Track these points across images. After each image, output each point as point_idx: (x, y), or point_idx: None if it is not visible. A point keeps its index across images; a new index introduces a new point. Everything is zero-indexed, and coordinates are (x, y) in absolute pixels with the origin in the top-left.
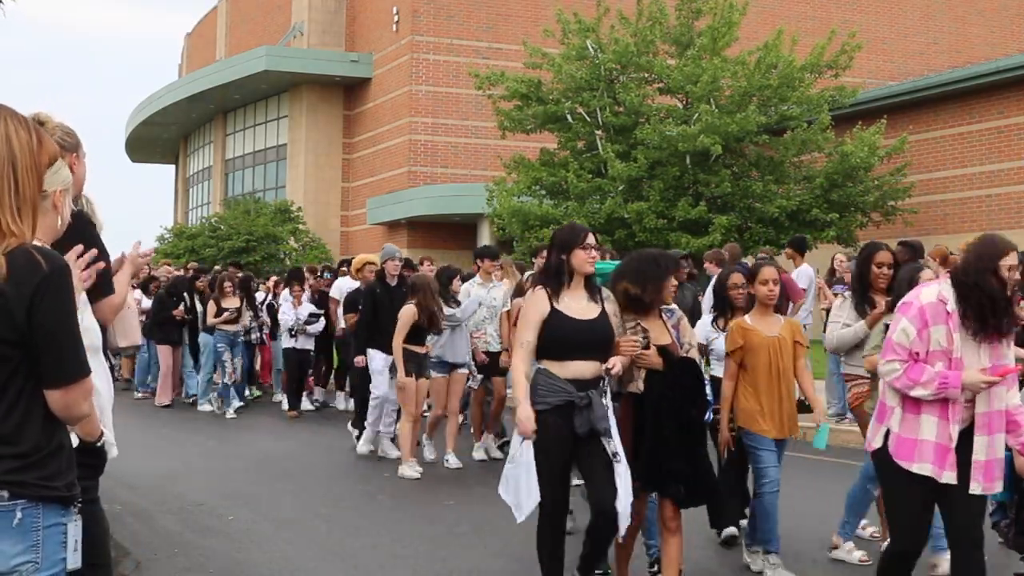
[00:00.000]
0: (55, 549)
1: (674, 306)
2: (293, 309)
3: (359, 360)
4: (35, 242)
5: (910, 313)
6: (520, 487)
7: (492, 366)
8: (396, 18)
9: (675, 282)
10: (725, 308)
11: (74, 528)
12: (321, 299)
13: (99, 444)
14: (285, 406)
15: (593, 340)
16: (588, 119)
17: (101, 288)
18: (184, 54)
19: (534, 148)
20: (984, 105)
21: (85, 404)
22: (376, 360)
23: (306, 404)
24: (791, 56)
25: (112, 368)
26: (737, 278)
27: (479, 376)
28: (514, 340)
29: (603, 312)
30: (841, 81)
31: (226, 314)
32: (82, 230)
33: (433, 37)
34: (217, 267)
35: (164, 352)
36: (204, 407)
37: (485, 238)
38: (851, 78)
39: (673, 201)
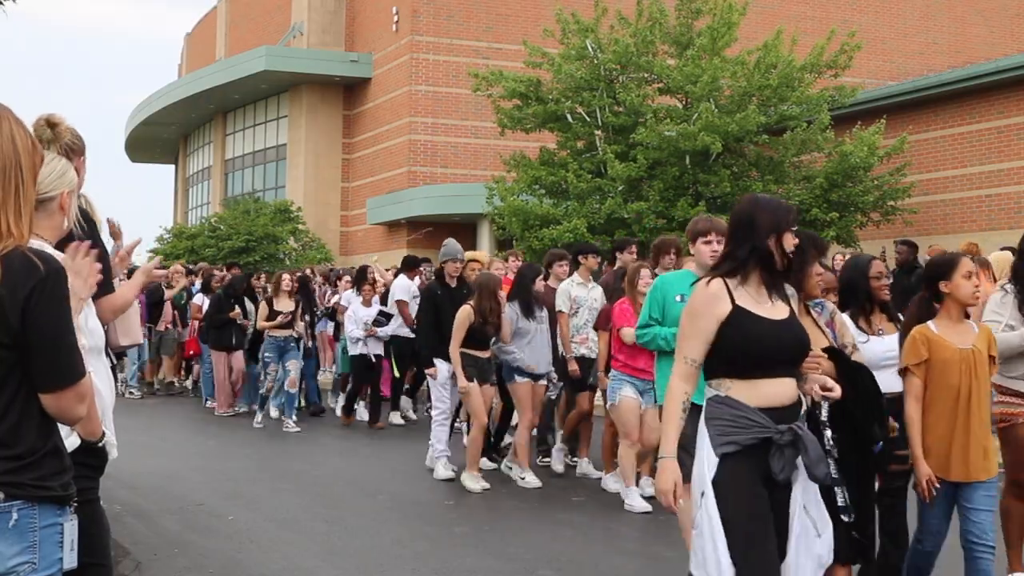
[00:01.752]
0: (52, 549)
1: (824, 299)
2: (362, 310)
3: (432, 371)
4: (39, 242)
5: None
6: (708, 561)
7: (584, 377)
8: (396, 18)
9: (820, 270)
10: (864, 304)
11: (70, 528)
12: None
13: (100, 444)
14: (339, 412)
15: (791, 349)
16: (588, 119)
17: (101, 287)
18: (184, 54)
19: (534, 148)
20: (984, 105)
21: (80, 407)
22: (440, 370)
23: (392, 418)
24: (791, 56)
25: (113, 368)
26: (879, 266)
27: (559, 384)
28: (614, 349)
29: (792, 311)
30: (841, 81)
31: (280, 318)
32: (83, 229)
33: (433, 37)
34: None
35: (219, 358)
36: (273, 412)
37: (485, 238)
38: (851, 78)
39: (673, 201)
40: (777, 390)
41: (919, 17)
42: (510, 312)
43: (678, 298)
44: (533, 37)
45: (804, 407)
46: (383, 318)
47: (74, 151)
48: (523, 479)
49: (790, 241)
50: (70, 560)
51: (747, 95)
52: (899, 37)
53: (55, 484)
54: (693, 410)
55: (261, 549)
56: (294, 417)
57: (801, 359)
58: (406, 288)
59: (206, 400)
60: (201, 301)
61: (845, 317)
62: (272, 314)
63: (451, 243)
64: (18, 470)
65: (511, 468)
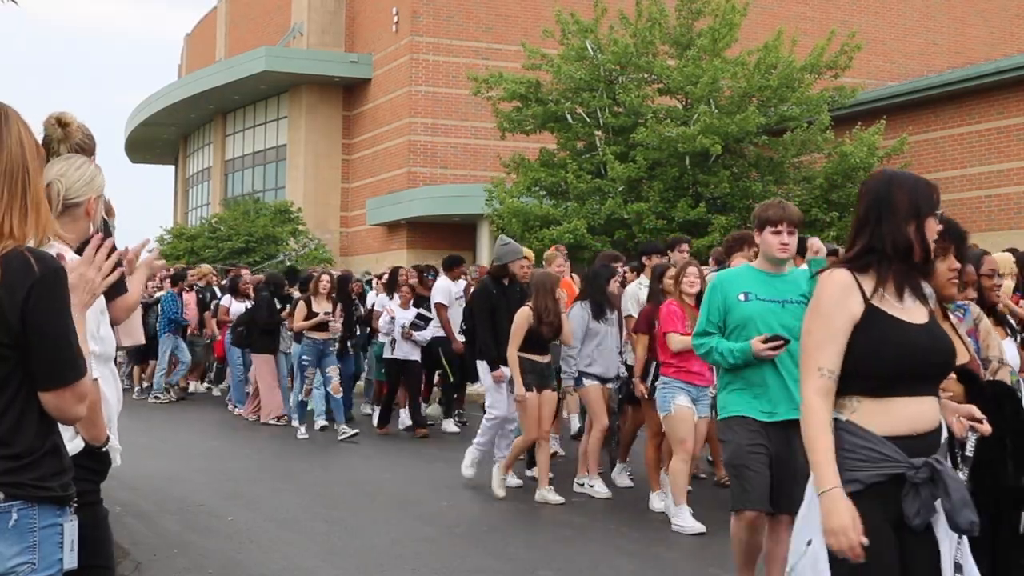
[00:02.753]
0: (52, 550)
1: (968, 303)
2: (400, 312)
3: (498, 375)
4: (60, 245)
5: None
6: None
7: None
8: (396, 19)
9: (956, 264)
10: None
11: (70, 528)
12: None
13: (103, 449)
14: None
15: (936, 362)
16: (588, 119)
17: (115, 287)
18: (184, 54)
19: (534, 149)
20: (984, 105)
21: (79, 407)
22: (487, 373)
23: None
24: (791, 57)
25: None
26: (992, 263)
27: (618, 395)
28: (663, 353)
29: (932, 314)
30: (841, 81)
31: (317, 319)
32: (108, 233)
33: (433, 38)
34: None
35: (267, 363)
36: (295, 423)
37: (485, 238)
38: (851, 78)
39: (672, 202)
40: (917, 412)
41: (919, 18)
42: (580, 312)
43: (741, 297)
44: (533, 38)
45: (945, 435)
46: (421, 321)
47: (84, 151)
48: (592, 486)
49: (933, 228)
50: (70, 560)
51: (747, 96)
52: (899, 38)
53: (55, 484)
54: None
55: (261, 549)
56: (344, 424)
57: (946, 373)
58: (447, 290)
59: (236, 407)
60: (229, 303)
61: (990, 325)
62: (310, 315)
63: (511, 241)
64: (17, 470)
65: (582, 484)
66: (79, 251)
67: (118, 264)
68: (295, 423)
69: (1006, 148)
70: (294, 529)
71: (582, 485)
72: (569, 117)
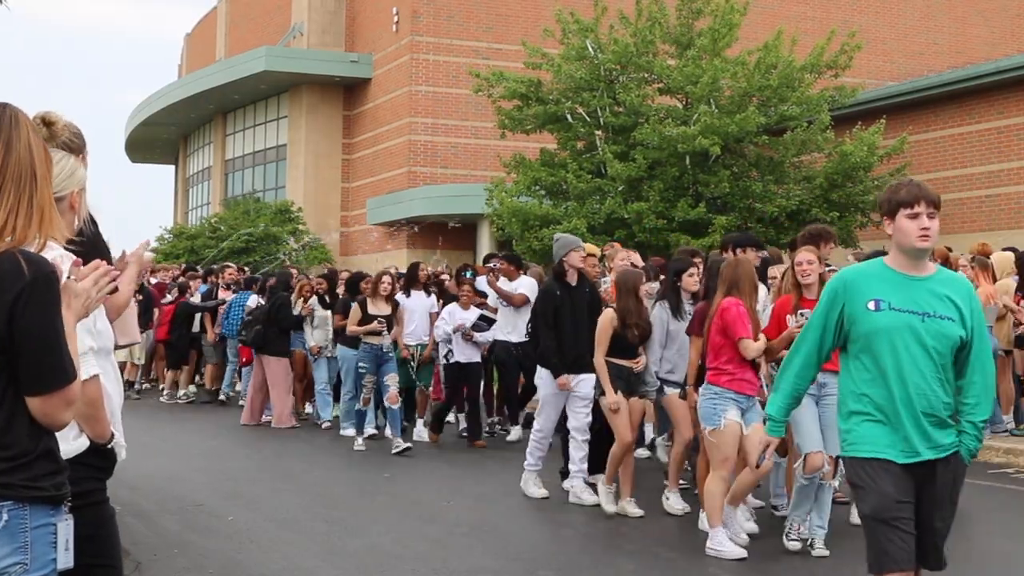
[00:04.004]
0: (44, 550)
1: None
2: (460, 313)
3: (562, 382)
4: (50, 243)
5: None
6: None
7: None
8: (396, 18)
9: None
10: None
11: (64, 527)
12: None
13: (109, 446)
14: (407, 434)
15: None
16: (588, 119)
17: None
18: (184, 54)
19: (534, 148)
20: (984, 105)
21: (66, 413)
22: (546, 383)
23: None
24: (791, 56)
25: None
26: None
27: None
28: (719, 359)
29: None
30: (841, 81)
31: (375, 323)
32: (93, 227)
33: (433, 37)
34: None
35: (283, 366)
36: (349, 431)
37: (485, 238)
38: (851, 78)
39: (673, 201)
40: None
41: (919, 17)
42: (660, 313)
43: (871, 305)
44: (533, 37)
45: None
46: (484, 323)
47: (72, 149)
48: (667, 498)
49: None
50: (65, 560)
51: (747, 95)
52: (899, 37)
53: (47, 484)
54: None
55: (261, 549)
56: (399, 437)
57: None
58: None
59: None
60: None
61: None
62: (366, 318)
63: (564, 236)
64: (8, 471)
65: (668, 499)
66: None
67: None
68: (348, 431)
69: (1006, 148)
70: (294, 529)
71: (667, 499)
72: (569, 117)
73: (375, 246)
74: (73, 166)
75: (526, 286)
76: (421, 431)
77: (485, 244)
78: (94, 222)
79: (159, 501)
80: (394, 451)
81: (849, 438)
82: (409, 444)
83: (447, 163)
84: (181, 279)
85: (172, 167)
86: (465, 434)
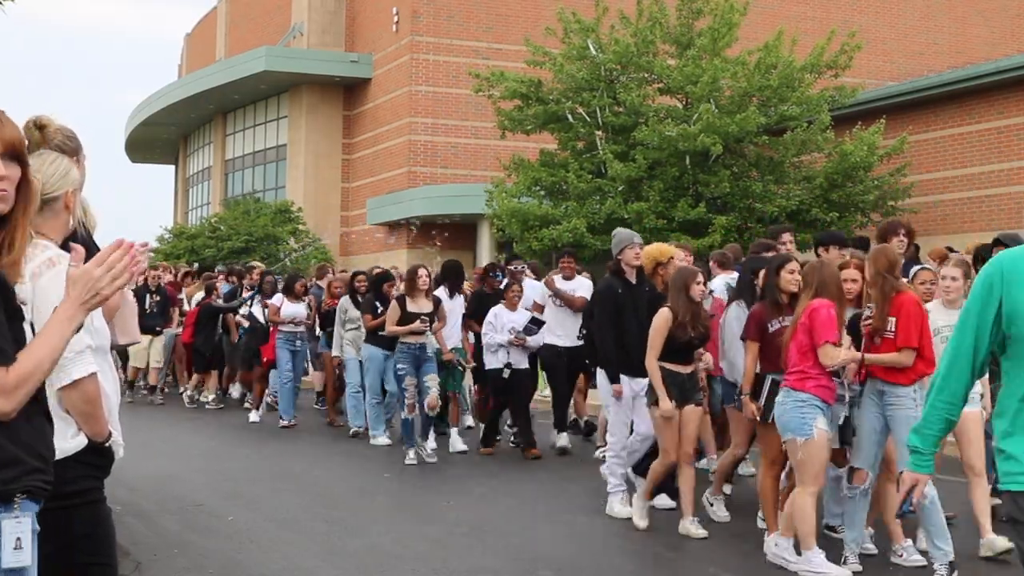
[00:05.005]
0: None
1: None
2: (507, 315)
3: (616, 389)
4: (44, 242)
5: None
6: None
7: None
8: (396, 18)
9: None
10: None
11: (11, 525)
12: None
13: (107, 444)
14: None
15: None
16: (588, 119)
17: None
18: (184, 54)
19: (534, 148)
20: (984, 105)
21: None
22: (606, 386)
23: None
24: (791, 56)
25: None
26: None
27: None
28: (804, 363)
29: None
30: (841, 81)
31: (416, 323)
32: (87, 228)
33: (433, 37)
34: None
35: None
36: (381, 440)
37: (485, 238)
38: (851, 78)
39: (673, 201)
40: None
41: (919, 17)
42: (737, 313)
43: None
44: (533, 37)
45: None
46: (534, 325)
47: (65, 152)
48: (710, 504)
49: None
50: (13, 560)
51: (747, 95)
52: (899, 37)
53: None
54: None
55: (261, 549)
56: (431, 444)
57: None
58: (542, 291)
59: (283, 419)
60: (280, 302)
61: None
62: (406, 316)
63: (622, 231)
64: None
65: (711, 505)
66: (63, 246)
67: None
68: (380, 439)
69: (1006, 148)
70: (294, 529)
71: (711, 505)
72: (570, 116)
73: (378, 246)
74: (67, 167)
75: (585, 288)
76: (455, 440)
77: (485, 244)
78: (82, 224)
79: (159, 501)
80: (427, 458)
81: (1013, 467)
82: (435, 460)
83: (447, 163)
84: (209, 280)
85: (172, 167)
86: (514, 443)
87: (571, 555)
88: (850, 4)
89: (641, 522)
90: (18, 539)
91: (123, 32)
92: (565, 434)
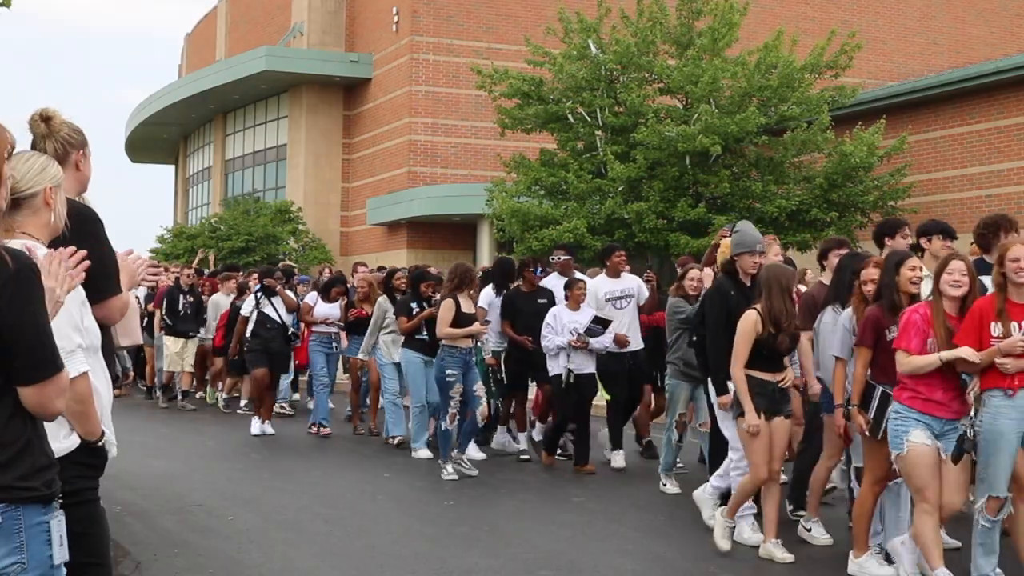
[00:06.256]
0: (40, 548)
1: None
2: (569, 315)
3: (722, 400)
4: (30, 241)
5: None
6: None
7: None
8: (396, 18)
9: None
10: None
11: (57, 524)
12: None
13: (100, 444)
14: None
15: None
16: (588, 119)
17: (108, 288)
18: (184, 54)
19: (534, 148)
20: (984, 105)
21: (59, 401)
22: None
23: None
24: (791, 56)
25: (123, 369)
26: None
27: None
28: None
29: None
30: (841, 81)
31: (476, 325)
32: (84, 226)
33: (433, 37)
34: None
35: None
36: (422, 453)
37: (485, 238)
38: (851, 78)
39: (673, 202)
40: None
41: (919, 17)
42: (838, 318)
43: None
44: (533, 38)
45: None
46: (599, 325)
47: (72, 145)
48: (808, 529)
49: None
50: (61, 555)
51: (747, 95)
52: (899, 37)
53: (37, 483)
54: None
55: (261, 549)
56: (466, 455)
57: None
58: (598, 290)
59: (319, 426)
60: (314, 301)
61: None
62: (460, 318)
63: (744, 228)
64: (1, 469)
65: (807, 523)
66: (52, 245)
67: (113, 267)
68: (422, 453)
69: (1006, 148)
70: (294, 529)
71: (809, 530)
72: (570, 116)
73: (378, 246)
74: (44, 163)
75: (635, 285)
76: (515, 443)
77: (485, 244)
78: (98, 223)
79: (159, 501)
80: (450, 476)
81: None
82: (453, 476)
83: (447, 163)
84: (242, 280)
85: (172, 167)
86: (564, 454)
87: (571, 555)
88: (850, 4)
89: (724, 544)
90: (60, 536)
91: (123, 32)
92: (621, 452)
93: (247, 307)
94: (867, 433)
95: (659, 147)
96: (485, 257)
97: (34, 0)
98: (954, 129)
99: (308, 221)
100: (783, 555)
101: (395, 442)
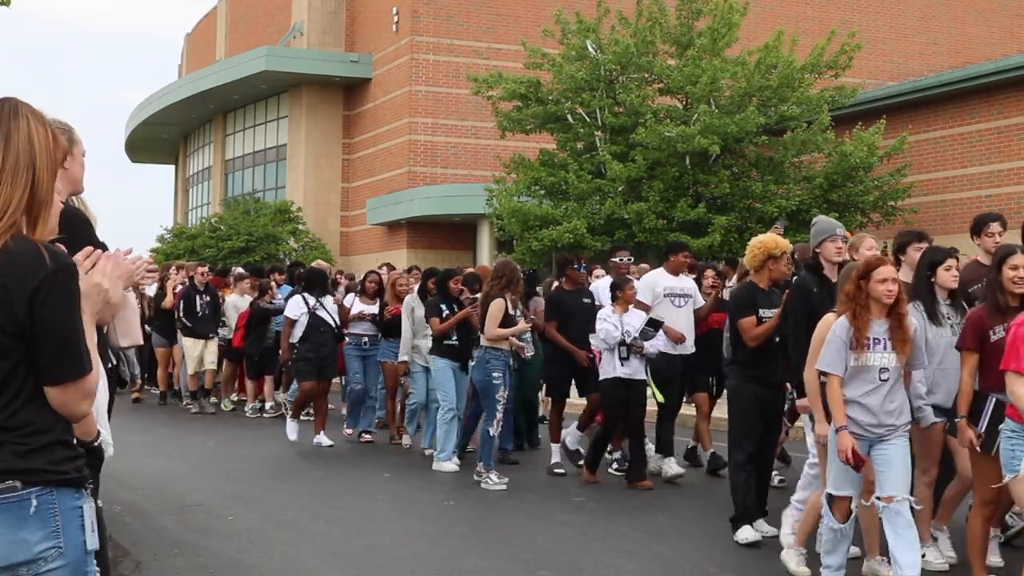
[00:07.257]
0: (75, 532)
1: None
2: (615, 318)
3: (801, 405)
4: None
5: None
6: None
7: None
8: (396, 18)
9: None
10: None
11: (89, 509)
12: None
13: (95, 444)
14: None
15: None
16: (588, 120)
17: None
18: (184, 54)
19: (534, 148)
20: (984, 105)
21: (84, 403)
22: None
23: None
24: (791, 56)
25: (128, 369)
26: None
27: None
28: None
29: None
30: (841, 81)
31: (522, 322)
32: (77, 228)
33: (433, 37)
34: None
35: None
36: (448, 466)
37: (485, 238)
38: (851, 78)
39: (673, 202)
40: None
41: (919, 17)
42: (919, 319)
43: None
44: (533, 38)
45: None
46: (652, 328)
47: None
48: (934, 540)
49: None
50: (93, 542)
51: (747, 95)
52: (899, 37)
53: (69, 468)
54: None
55: (261, 549)
56: (491, 473)
57: None
58: (654, 286)
59: (357, 429)
60: (351, 303)
61: None
62: (509, 319)
63: (821, 219)
64: (31, 455)
65: (935, 539)
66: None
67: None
68: (445, 464)
69: (1006, 148)
70: (294, 529)
71: (936, 539)
72: (570, 117)
73: (378, 245)
74: None
75: (692, 288)
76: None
77: (485, 244)
78: (87, 224)
79: (159, 501)
80: (496, 486)
81: None
82: (504, 485)
83: (447, 163)
84: (263, 279)
85: (172, 167)
86: (618, 469)
87: (571, 555)
88: (850, 4)
89: (802, 569)
90: (92, 522)
91: (123, 32)
92: (672, 459)
93: (295, 310)
94: (978, 449)
95: (659, 147)
96: (485, 257)
97: (34, 0)
98: (954, 129)
99: (308, 221)
100: (888, 572)
101: (425, 452)
